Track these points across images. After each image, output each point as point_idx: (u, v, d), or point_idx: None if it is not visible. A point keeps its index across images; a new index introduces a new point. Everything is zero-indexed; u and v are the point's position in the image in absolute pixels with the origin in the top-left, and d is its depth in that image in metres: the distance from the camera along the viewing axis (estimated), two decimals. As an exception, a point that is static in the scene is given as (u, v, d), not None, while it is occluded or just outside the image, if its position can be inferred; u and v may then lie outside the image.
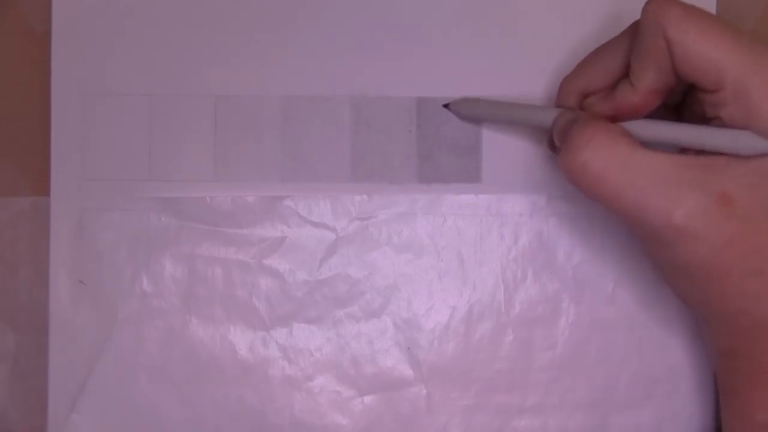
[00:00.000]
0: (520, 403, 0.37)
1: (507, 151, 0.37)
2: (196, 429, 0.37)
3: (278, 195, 0.37)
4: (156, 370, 0.37)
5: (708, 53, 0.28)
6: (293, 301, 0.37)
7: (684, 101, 0.32)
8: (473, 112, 0.36)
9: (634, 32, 0.30)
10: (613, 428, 0.37)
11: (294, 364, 0.37)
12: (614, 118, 0.31)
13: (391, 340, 0.37)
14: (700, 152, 0.29)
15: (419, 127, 0.37)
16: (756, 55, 0.28)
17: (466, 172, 0.37)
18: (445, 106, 0.36)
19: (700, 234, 0.28)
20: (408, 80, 0.37)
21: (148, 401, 0.37)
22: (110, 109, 0.37)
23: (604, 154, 0.29)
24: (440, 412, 0.37)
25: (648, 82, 0.29)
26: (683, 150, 0.30)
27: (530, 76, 0.37)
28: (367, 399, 0.37)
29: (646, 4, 0.29)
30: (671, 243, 0.28)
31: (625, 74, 0.31)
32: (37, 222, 0.37)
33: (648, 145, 0.29)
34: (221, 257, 0.37)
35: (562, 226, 0.37)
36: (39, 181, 0.37)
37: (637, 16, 0.30)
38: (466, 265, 0.37)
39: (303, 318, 0.37)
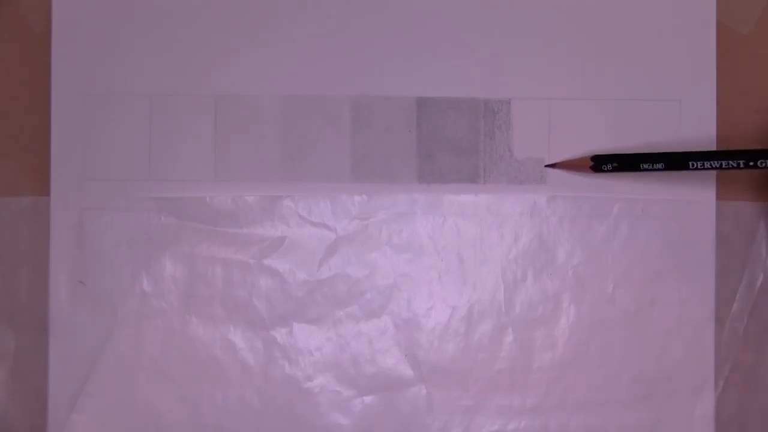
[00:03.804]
0: (520, 403, 0.37)
1: (507, 150, 0.37)
2: (196, 429, 0.37)
3: (278, 195, 0.37)
4: (156, 369, 0.37)
5: None
6: (293, 301, 0.37)
7: None
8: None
9: None
10: (613, 428, 0.37)
11: (294, 364, 0.37)
12: None
13: (391, 340, 0.37)
14: None
15: (419, 127, 0.37)
16: None
17: (466, 172, 0.37)
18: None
19: None
20: (408, 80, 0.37)
21: (148, 401, 0.37)
22: (110, 109, 0.37)
23: None
24: (440, 412, 0.37)
25: None
26: None
27: (530, 76, 0.37)
28: (367, 399, 0.37)
29: None
30: None
31: None
32: (37, 222, 0.37)
33: None
34: (221, 257, 0.37)
35: (562, 226, 0.37)
36: (39, 181, 0.37)
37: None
38: (466, 265, 0.37)
39: (303, 318, 0.37)
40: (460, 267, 0.37)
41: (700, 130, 0.37)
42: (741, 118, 0.37)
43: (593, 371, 0.37)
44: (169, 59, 0.37)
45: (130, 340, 0.37)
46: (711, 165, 0.34)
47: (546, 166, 0.37)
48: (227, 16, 0.37)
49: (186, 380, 0.37)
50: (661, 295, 0.37)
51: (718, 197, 0.37)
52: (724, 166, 0.34)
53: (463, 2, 0.37)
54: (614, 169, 0.36)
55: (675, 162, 0.35)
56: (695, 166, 0.34)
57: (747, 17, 0.37)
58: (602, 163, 0.36)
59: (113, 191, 0.37)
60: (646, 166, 0.35)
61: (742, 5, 0.37)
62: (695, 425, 0.36)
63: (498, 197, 0.37)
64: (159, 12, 0.37)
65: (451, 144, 0.37)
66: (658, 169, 0.35)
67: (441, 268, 0.37)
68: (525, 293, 0.37)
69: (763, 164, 0.33)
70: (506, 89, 0.37)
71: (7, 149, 0.38)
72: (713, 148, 0.37)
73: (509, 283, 0.37)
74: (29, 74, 0.38)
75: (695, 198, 0.37)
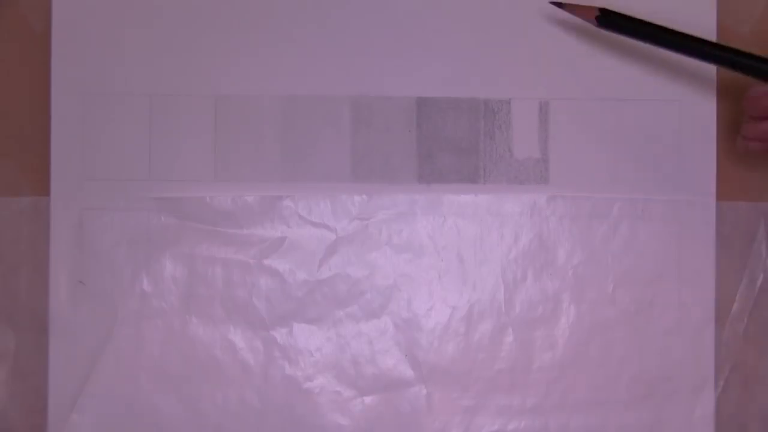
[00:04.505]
0: (520, 403, 0.37)
1: (507, 150, 0.37)
2: (196, 429, 0.37)
3: (278, 195, 0.37)
4: (156, 369, 0.37)
5: None
6: (293, 301, 0.37)
7: None
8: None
9: None
10: (613, 428, 0.37)
11: (294, 364, 0.37)
12: None
13: (391, 340, 0.37)
14: None
15: (419, 127, 0.37)
16: None
17: (466, 172, 0.37)
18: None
19: None
20: (408, 80, 0.37)
21: (148, 401, 0.37)
22: (110, 109, 0.37)
23: None
24: (440, 412, 0.37)
25: None
26: None
27: (530, 76, 0.37)
28: (367, 399, 0.37)
29: None
30: None
31: None
32: (37, 222, 0.37)
33: None
34: (221, 257, 0.37)
35: (562, 226, 0.37)
36: (39, 181, 0.37)
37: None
38: (466, 265, 0.37)
39: (303, 318, 0.37)
40: (460, 267, 0.37)
41: (700, 131, 0.37)
42: (741, 118, 0.37)
43: (593, 371, 0.37)
44: (169, 59, 0.37)
45: (130, 340, 0.37)
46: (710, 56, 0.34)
47: (550, 2, 0.36)
48: (227, 16, 0.37)
49: (186, 380, 0.37)
50: (661, 295, 0.37)
51: (718, 198, 0.37)
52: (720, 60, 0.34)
53: (463, 2, 0.37)
54: (618, 30, 0.35)
55: (677, 43, 0.34)
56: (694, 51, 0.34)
57: (747, 17, 0.37)
58: (609, 18, 0.35)
59: (113, 191, 0.37)
60: (648, 36, 0.34)
61: (742, 5, 0.37)
62: (695, 425, 0.36)
63: (498, 197, 0.37)
64: (159, 12, 0.37)
65: (451, 144, 0.37)
66: (660, 44, 0.34)
67: (441, 268, 0.37)
68: (525, 293, 0.37)
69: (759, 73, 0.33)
70: (506, 89, 0.37)
71: (7, 149, 0.38)
72: (713, 147, 0.37)
73: (509, 283, 0.37)
74: (29, 74, 0.38)
75: (695, 198, 0.37)
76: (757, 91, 0.33)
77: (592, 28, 0.35)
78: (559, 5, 0.36)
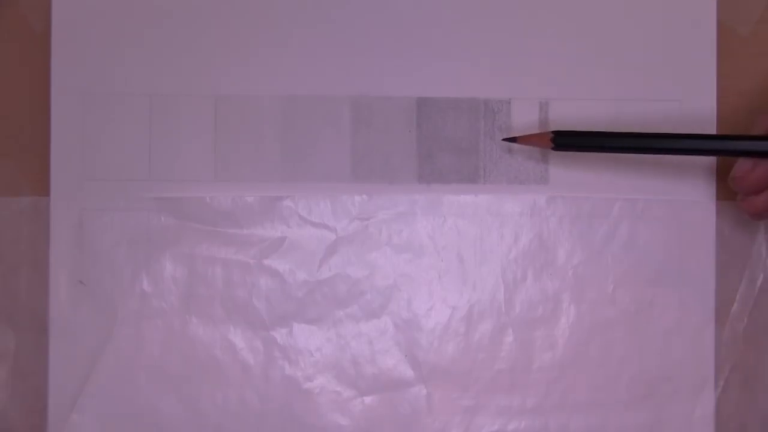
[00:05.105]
0: (520, 403, 0.37)
1: (507, 150, 0.37)
2: (196, 429, 0.37)
3: (278, 195, 0.37)
4: (156, 369, 0.37)
5: None
6: (293, 301, 0.37)
7: None
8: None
9: None
10: (613, 428, 0.37)
11: (294, 364, 0.37)
12: None
13: (391, 340, 0.37)
14: None
15: (419, 127, 0.37)
16: None
17: (466, 172, 0.37)
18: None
19: None
20: (408, 80, 0.37)
21: (148, 401, 0.37)
22: (110, 109, 0.37)
23: None
24: (440, 412, 0.37)
25: None
26: None
27: (530, 76, 0.37)
28: (367, 399, 0.37)
29: None
30: None
31: None
32: (37, 222, 0.37)
33: None
34: (221, 257, 0.37)
35: (562, 226, 0.37)
36: (39, 181, 0.37)
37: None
38: (466, 265, 0.37)
39: (303, 318, 0.37)
40: (460, 267, 0.37)
41: (700, 131, 0.37)
42: (741, 119, 0.37)
43: (593, 371, 0.37)
44: (169, 59, 0.37)
45: (130, 340, 0.37)
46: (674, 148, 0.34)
47: (503, 139, 0.36)
48: (227, 16, 0.37)
49: (186, 380, 0.37)
50: (661, 295, 0.37)
51: (718, 197, 0.37)
52: (687, 150, 0.34)
53: (463, 2, 0.37)
54: (578, 147, 0.35)
55: (638, 145, 0.34)
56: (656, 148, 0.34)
57: (747, 17, 0.37)
58: (565, 139, 0.35)
59: (113, 191, 0.37)
60: (608, 146, 0.35)
61: (742, 5, 0.37)
62: (695, 425, 0.36)
63: (498, 197, 0.37)
64: (159, 12, 0.37)
65: (451, 144, 0.37)
66: (623, 150, 0.35)
67: (441, 268, 0.37)
68: (525, 293, 0.37)
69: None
70: (506, 89, 0.37)
71: (7, 149, 0.38)
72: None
73: (509, 283, 0.37)
74: (29, 74, 0.38)
75: (695, 198, 0.37)
76: (742, 168, 0.33)
77: (592, 37, 0.35)
78: (512, 140, 0.36)
